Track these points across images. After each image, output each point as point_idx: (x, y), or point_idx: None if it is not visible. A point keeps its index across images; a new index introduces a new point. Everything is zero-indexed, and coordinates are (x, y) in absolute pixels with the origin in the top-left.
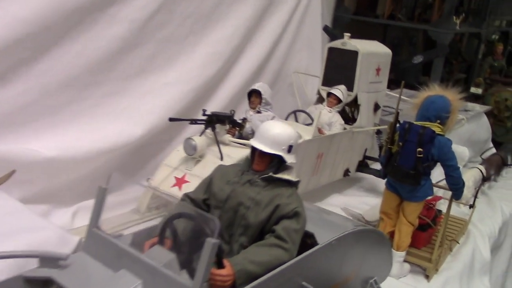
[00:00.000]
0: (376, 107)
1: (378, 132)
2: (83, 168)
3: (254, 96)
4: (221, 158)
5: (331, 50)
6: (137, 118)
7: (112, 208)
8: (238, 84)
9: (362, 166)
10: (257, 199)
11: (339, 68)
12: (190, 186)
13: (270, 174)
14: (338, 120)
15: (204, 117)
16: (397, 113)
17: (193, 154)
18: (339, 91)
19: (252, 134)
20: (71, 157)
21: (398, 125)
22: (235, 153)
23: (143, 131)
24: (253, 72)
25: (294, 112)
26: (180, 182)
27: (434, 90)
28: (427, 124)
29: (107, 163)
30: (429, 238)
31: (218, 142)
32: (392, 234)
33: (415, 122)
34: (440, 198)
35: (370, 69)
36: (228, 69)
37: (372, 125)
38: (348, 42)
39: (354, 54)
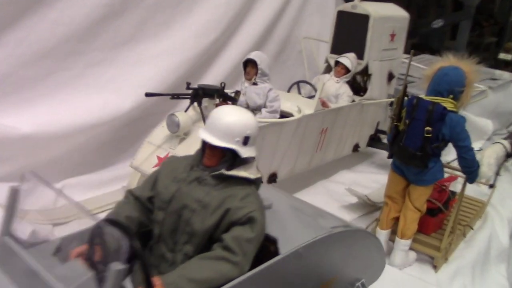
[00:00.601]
0: (390, 76)
1: (392, 104)
2: (66, 144)
3: (249, 66)
4: None
5: (340, 14)
6: (125, 91)
7: (103, 185)
8: (239, 54)
9: (374, 141)
10: (205, 201)
11: (349, 34)
12: None
13: (222, 171)
14: (345, 91)
15: (189, 91)
16: (405, 86)
17: (176, 132)
18: (347, 59)
19: (247, 108)
20: (51, 133)
21: (406, 99)
22: None
23: (131, 105)
24: (256, 41)
25: (297, 83)
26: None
27: (448, 60)
28: (438, 99)
29: (93, 139)
30: (440, 223)
31: (204, 118)
32: (397, 220)
33: (424, 97)
34: (455, 178)
35: (383, 34)
36: (228, 37)
37: (386, 96)
38: (359, 5)
39: (365, 18)
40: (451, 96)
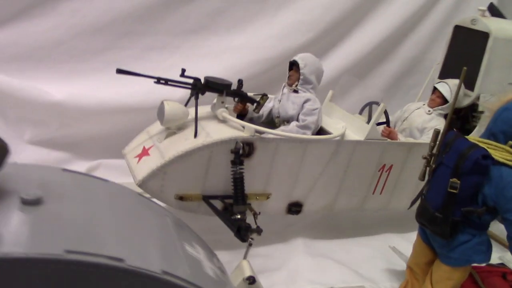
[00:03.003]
0: None
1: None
2: (104, 122)
3: (293, 69)
4: (195, 135)
5: (457, 30)
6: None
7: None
8: (338, 66)
9: None
10: None
11: (464, 56)
12: (148, 161)
13: None
14: (436, 126)
15: (186, 80)
16: (451, 118)
17: (162, 122)
18: (446, 86)
19: (278, 118)
20: (84, 106)
21: None
22: (219, 132)
23: (181, 95)
24: (367, 54)
25: (370, 104)
26: (143, 154)
27: None
28: (488, 143)
29: (133, 122)
30: None
31: (196, 114)
32: None
33: (470, 138)
34: None
35: None
36: (327, 45)
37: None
38: (480, 20)
39: (484, 37)
40: (511, 142)
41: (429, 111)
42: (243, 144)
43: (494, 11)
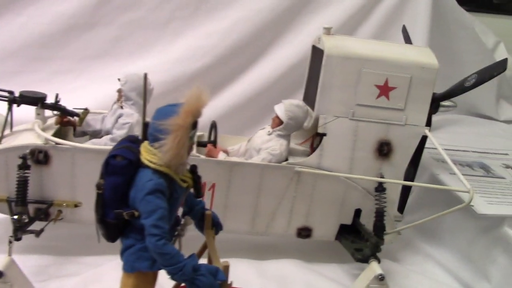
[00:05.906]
0: (383, 147)
1: (380, 188)
2: None
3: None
4: None
5: (313, 49)
6: (85, 101)
7: None
8: (244, 91)
9: (349, 236)
10: None
11: (314, 75)
12: None
13: None
14: (271, 147)
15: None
16: (145, 123)
17: None
18: (282, 106)
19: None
20: None
21: None
22: (20, 140)
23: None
24: (268, 82)
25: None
26: None
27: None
28: (144, 146)
29: None
30: None
31: (5, 123)
32: None
33: (144, 144)
34: None
35: (356, 82)
36: (229, 70)
37: (374, 174)
38: (321, 38)
39: (322, 55)
40: (157, 144)
41: (269, 132)
42: (36, 151)
43: (404, 33)
